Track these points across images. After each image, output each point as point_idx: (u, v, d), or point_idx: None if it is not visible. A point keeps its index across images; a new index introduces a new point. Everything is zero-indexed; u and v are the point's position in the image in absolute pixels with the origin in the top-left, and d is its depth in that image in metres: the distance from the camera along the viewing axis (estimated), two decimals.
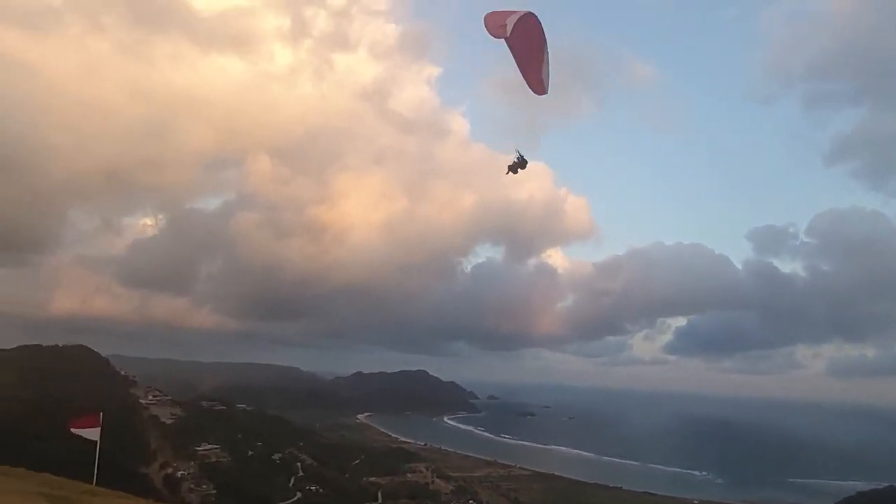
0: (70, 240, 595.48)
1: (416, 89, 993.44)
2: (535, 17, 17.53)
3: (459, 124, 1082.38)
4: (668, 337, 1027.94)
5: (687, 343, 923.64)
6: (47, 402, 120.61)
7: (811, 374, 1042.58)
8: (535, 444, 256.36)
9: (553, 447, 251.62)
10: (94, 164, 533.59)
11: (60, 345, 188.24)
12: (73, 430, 26.80)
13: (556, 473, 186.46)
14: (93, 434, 25.30)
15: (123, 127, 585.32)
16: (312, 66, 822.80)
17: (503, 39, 17.03)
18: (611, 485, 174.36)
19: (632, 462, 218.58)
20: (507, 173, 21.95)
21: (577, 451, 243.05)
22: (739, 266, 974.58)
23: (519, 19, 17.09)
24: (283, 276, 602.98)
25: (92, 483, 24.50)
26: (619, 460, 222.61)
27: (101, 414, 28.17)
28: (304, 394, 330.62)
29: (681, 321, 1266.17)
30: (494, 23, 17.20)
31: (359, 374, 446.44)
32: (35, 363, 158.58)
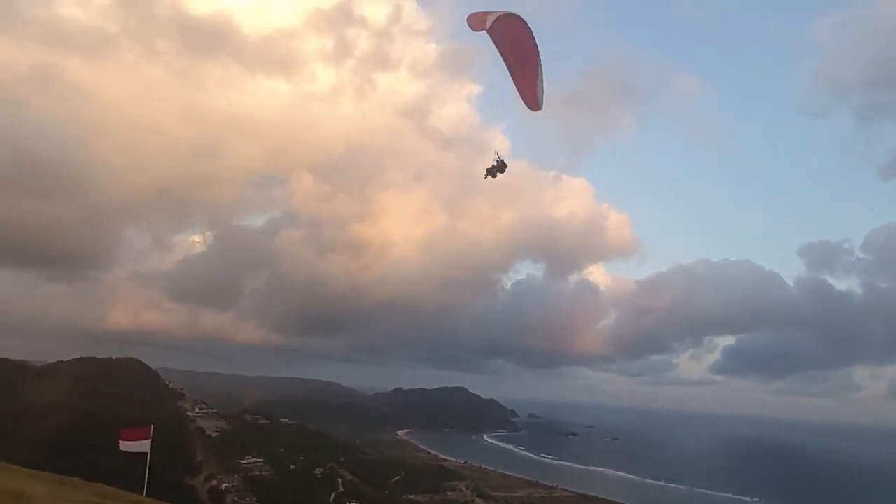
0: (125, 256, 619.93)
1: (456, 107, 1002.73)
2: (522, 20, 16.97)
3: (499, 141, 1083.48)
4: (715, 356, 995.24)
5: (736, 363, 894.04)
6: (101, 412, 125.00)
7: (870, 396, 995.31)
8: (577, 465, 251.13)
9: (596, 469, 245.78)
10: (148, 184, 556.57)
11: (114, 357, 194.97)
12: (123, 442, 27.62)
13: (599, 496, 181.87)
14: (143, 446, 26.20)
15: (175, 147, 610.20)
16: (354, 86, 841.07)
17: (500, 54, 16.84)
18: None
19: (678, 486, 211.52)
20: (486, 176, 21.24)
21: (621, 473, 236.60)
22: (791, 283, 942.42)
23: (503, 17, 16.62)
24: (325, 291, 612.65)
25: (142, 494, 25.35)
26: (664, 484, 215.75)
27: (152, 426, 29.15)
28: (345, 409, 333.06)
29: (729, 340, 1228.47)
30: (477, 19, 16.85)
31: (399, 389, 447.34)
32: (90, 375, 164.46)
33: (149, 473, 27.70)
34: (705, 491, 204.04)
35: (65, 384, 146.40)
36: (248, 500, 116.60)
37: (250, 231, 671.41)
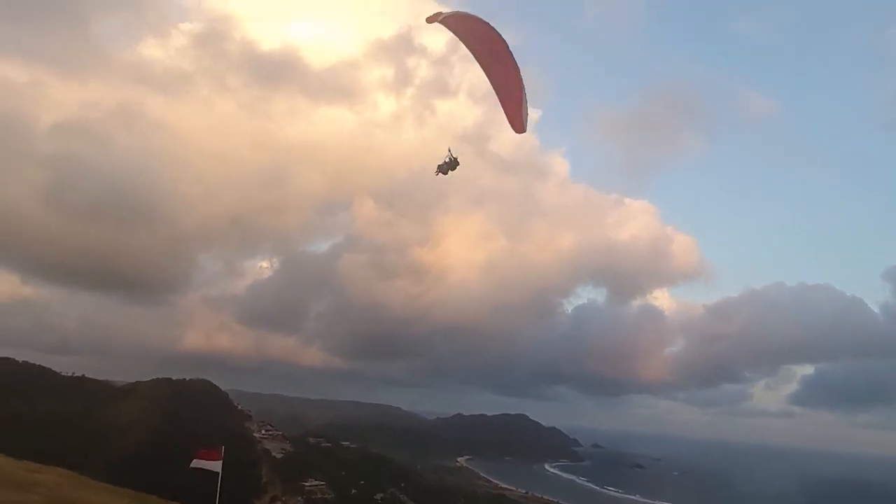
0: (198, 281, 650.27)
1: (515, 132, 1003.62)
2: (492, 28, 16.87)
3: (560, 165, 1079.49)
4: (793, 386, 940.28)
5: (816, 393, 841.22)
6: (176, 432, 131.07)
7: None
8: (644, 500, 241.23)
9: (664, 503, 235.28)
10: (221, 212, 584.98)
11: (188, 378, 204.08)
12: (197, 461, 29.18)
13: None
14: (215, 466, 27.77)
15: (245, 176, 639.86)
16: (415, 113, 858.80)
17: (481, 66, 16.80)
18: None
19: None
20: (437, 174, 21.11)
21: None
22: (876, 309, 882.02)
23: (467, 19, 16.66)
24: (387, 315, 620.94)
25: None
26: None
27: (223, 448, 30.80)
28: (406, 433, 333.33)
29: (808, 369, 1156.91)
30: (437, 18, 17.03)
31: (459, 415, 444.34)
32: (166, 395, 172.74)
33: (219, 492, 29.24)
34: None
35: (143, 404, 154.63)
36: None
37: (315, 256, 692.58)
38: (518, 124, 17.54)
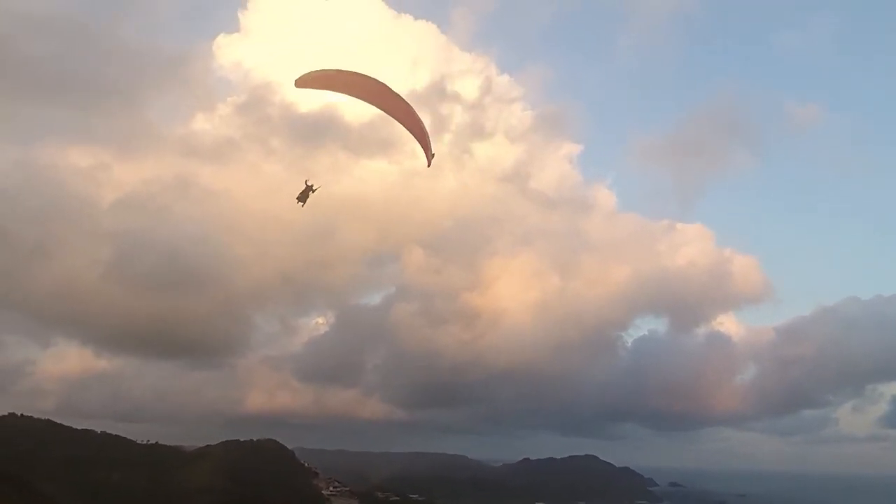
0: (256, 342, 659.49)
1: (557, 167, 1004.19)
2: (362, 75, 17.26)
3: (605, 196, 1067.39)
4: (882, 407, 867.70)
5: None
6: (247, 493, 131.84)
7: None
8: None
9: None
10: (272, 271, 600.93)
11: (255, 439, 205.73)
12: None
13: None
14: None
15: (295, 234, 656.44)
16: (453, 157, 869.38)
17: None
18: None
19: None
20: (299, 202, 21.58)
21: None
22: None
23: (331, 75, 17.14)
24: (442, 362, 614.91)
25: None
26: None
27: None
28: (473, 482, 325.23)
29: None
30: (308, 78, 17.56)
31: (526, 460, 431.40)
32: (235, 457, 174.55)
33: None
34: None
35: (214, 466, 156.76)
36: None
37: (367, 309, 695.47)
38: (427, 157, 18.06)
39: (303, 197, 21.64)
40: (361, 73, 17.77)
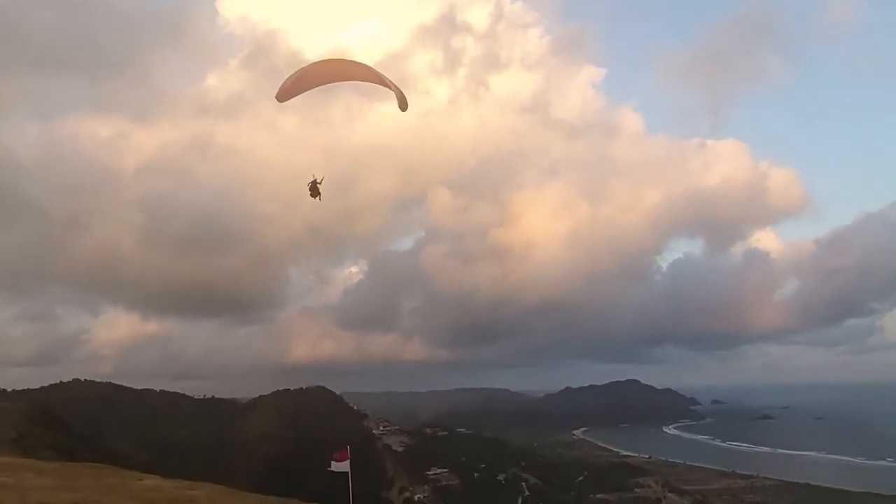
0: (293, 295, 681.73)
1: (579, 93, 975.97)
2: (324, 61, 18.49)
3: (632, 120, 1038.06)
4: None
5: None
6: (302, 439, 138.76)
7: None
8: (778, 451, 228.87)
9: (802, 453, 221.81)
10: (301, 225, 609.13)
11: (304, 387, 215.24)
12: (335, 463, 30.38)
13: (810, 483, 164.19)
14: (345, 466, 28.95)
15: (320, 185, 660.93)
16: (469, 92, 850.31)
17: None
18: (887, 493, 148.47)
19: None
20: (314, 197, 22.36)
21: (835, 456, 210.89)
22: None
23: (303, 74, 18.36)
24: (478, 301, 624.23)
25: None
26: (893, 464, 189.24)
27: (348, 447, 32.08)
28: (517, 414, 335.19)
29: None
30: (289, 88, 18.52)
31: (567, 389, 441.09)
32: (287, 405, 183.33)
33: (351, 490, 30.46)
34: None
35: (268, 415, 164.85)
36: None
37: (399, 254, 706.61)
38: (401, 103, 18.76)
39: (314, 190, 22.00)
40: (325, 59, 19.02)
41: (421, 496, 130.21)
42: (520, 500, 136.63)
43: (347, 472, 30.33)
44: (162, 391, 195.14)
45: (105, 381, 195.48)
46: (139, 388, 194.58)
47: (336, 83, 19.60)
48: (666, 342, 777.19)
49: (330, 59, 19.02)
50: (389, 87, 18.45)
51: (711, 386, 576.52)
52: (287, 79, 18.80)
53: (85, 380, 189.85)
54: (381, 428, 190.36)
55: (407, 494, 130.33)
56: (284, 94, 19.21)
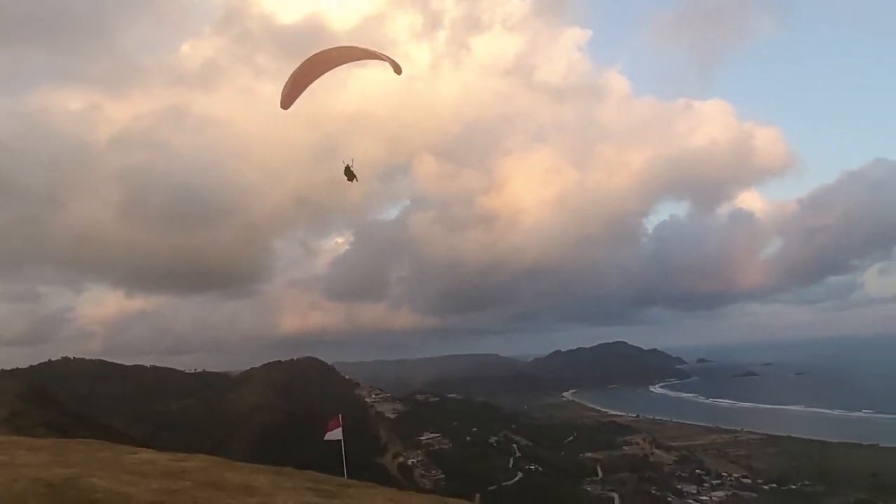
0: (280, 268, 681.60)
1: (564, 55, 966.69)
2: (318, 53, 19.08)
3: (618, 82, 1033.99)
4: None
5: None
6: (294, 409, 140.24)
7: None
8: (761, 406, 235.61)
9: (784, 407, 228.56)
10: (286, 195, 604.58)
11: (295, 358, 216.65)
12: (329, 433, 30.80)
13: (791, 435, 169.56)
14: (337, 434, 29.41)
15: (302, 155, 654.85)
16: (451, 56, 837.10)
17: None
18: (864, 442, 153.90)
19: (885, 416, 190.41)
20: (350, 180, 22.37)
21: (816, 409, 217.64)
22: None
23: (302, 71, 18.86)
24: (466, 268, 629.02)
25: (344, 476, 28.56)
26: (869, 414, 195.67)
27: (340, 416, 32.59)
28: (507, 378, 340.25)
29: None
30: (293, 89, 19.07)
31: (556, 352, 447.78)
32: (279, 377, 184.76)
33: (345, 457, 31.07)
34: None
35: (261, 387, 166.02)
36: (433, 472, 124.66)
37: (385, 223, 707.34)
38: (395, 67, 19.22)
39: (349, 173, 22.68)
40: (313, 54, 19.12)
41: (414, 460, 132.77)
42: (511, 462, 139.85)
43: (340, 440, 30.89)
44: (153, 367, 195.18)
45: (94, 358, 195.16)
46: (129, 364, 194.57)
47: (329, 72, 20.14)
48: (653, 304, 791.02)
49: (318, 53, 19.19)
50: (382, 59, 18.72)
51: (697, 345, 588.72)
52: (284, 85, 19.11)
53: (74, 358, 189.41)
54: (374, 396, 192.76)
55: (401, 459, 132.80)
56: (287, 100, 19.47)
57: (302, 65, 19.08)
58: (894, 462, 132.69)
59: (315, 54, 19.04)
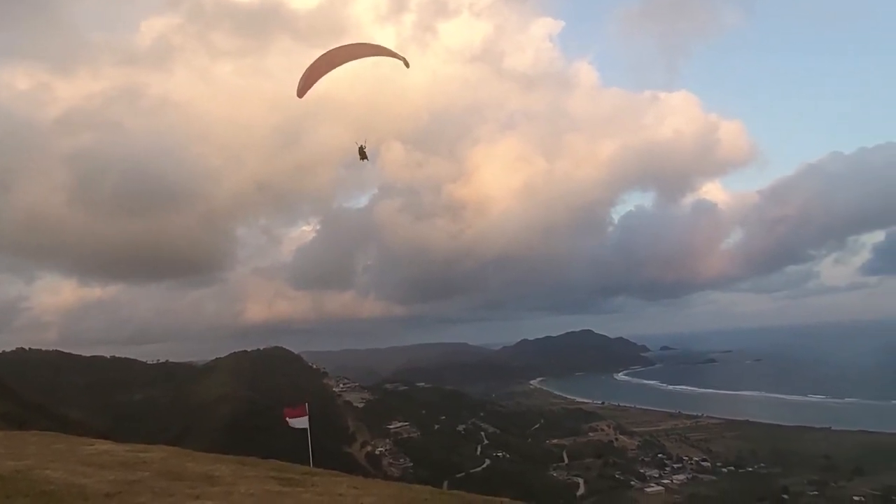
0: (244, 255, 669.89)
1: (533, 44, 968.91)
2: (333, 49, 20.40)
3: (587, 73, 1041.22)
4: (864, 256, 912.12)
5: (890, 259, 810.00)
6: (260, 399, 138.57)
7: None
8: (721, 392, 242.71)
9: (742, 393, 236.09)
10: (248, 179, 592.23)
11: (261, 348, 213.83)
12: (288, 420, 30.59)
13: (749, 420, 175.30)
14: (303, 423, 29.15)
15: (263, 139, 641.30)
16: (417, 40, 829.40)
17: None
18: (817, 426, 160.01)
19: (837, 400, 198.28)
20: (362, 159, 23.81)
21: (772, 394, 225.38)
22: None
23: (318, 64, 20.07)
24: (433, 256, 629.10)
25: (310, 465, 28.37)
26: (822, 399, 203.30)
27: (307, 404, 32.31)
28: (476, 367, 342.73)
29: (878, 236, 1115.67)
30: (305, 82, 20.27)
31: (524, 341, 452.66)
32: (245, 366, 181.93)
33: (311, 446, 30.86)
34: (874, 402, 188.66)
35: (226, 377, 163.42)
36: (401, 460, 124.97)
37: (353, 211, 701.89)
38: (404, 62, 20.65)
39: (362, 154, 23.55)
40: (328, 50, 20.39)
41: (382, 449, 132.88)
42: (479, 449, 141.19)
43: (307, 429, 30.64)
44: (113, 357, 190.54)
45: (51, 349, 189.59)
46: (88, 354, 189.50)
47: (339, 66, 21.42)
48: (619, 293, 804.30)
49: (332, 49, 20.60)
50: (394, 56, 20.13)
51: (661, 333, 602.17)
52: (301, 77, 20.38)
53: (30, 348, 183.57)
54: (342, 385, 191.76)
55: (369, 448, 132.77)
56: (302, 91, 20.69)
57: (316, 60, 20.14)
58: (845, 444, 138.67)
59: (329, 50, 20.24)
